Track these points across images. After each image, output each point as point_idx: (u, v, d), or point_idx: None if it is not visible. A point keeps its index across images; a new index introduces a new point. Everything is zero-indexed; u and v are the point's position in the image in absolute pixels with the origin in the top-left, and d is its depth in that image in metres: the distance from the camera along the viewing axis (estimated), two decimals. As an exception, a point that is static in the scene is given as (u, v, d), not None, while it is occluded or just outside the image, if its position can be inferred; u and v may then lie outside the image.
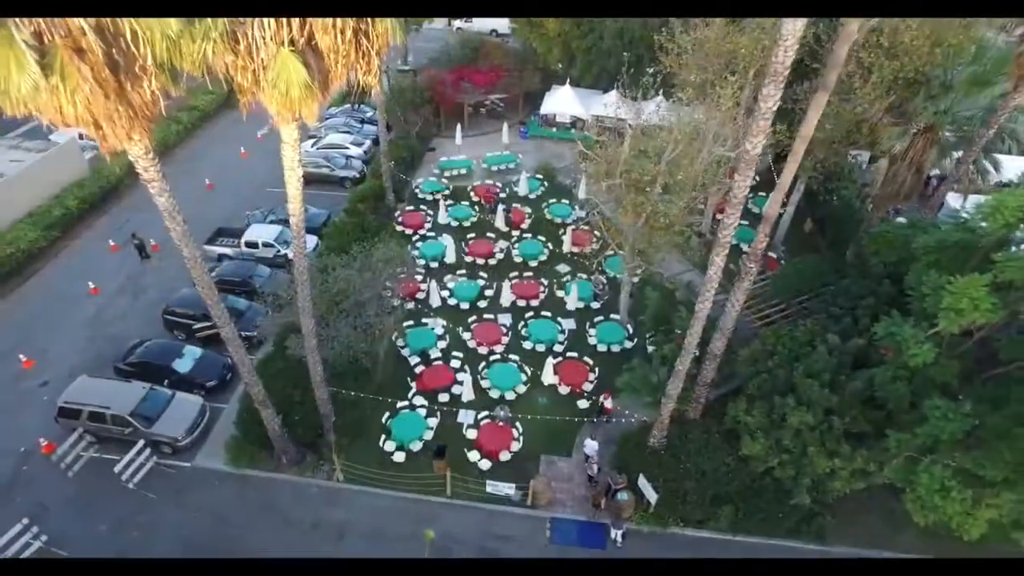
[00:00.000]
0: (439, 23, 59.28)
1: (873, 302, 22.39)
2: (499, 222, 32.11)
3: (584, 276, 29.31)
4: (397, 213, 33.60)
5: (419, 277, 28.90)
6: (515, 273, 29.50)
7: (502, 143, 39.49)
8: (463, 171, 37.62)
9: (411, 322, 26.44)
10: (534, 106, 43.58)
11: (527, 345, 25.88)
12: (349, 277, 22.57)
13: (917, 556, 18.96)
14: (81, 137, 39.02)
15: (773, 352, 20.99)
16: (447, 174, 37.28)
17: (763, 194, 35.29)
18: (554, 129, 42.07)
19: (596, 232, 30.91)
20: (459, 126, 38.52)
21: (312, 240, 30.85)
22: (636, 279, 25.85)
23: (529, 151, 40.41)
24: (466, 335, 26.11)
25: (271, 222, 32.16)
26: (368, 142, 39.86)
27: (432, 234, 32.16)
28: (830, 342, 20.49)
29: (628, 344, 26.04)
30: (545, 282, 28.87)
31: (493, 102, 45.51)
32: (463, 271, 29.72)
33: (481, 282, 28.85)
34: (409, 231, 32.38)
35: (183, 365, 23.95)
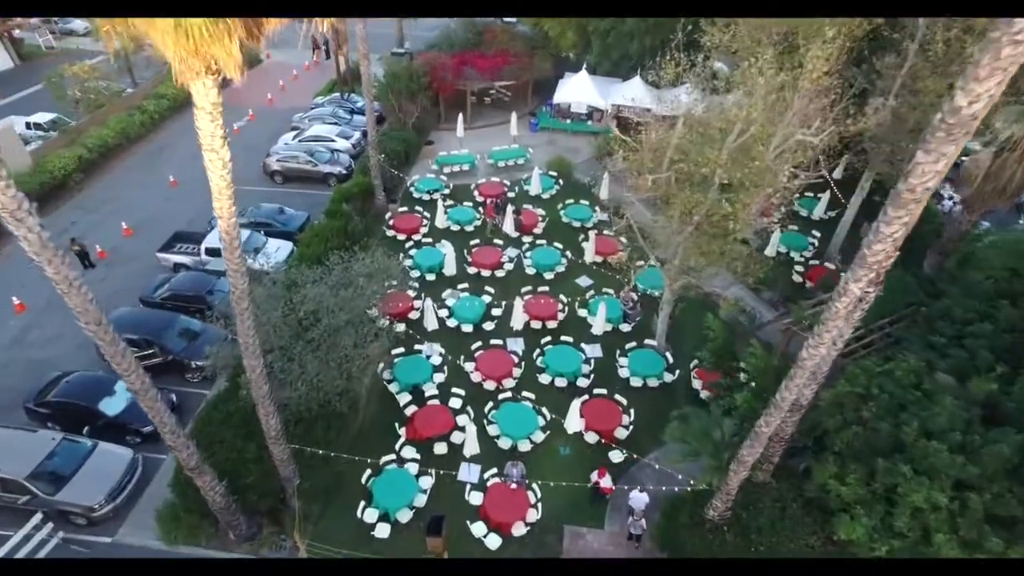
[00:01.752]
0: (440, 9, 54.52)
1: (990, 330, 17.50)
2: (507, 226, 27.14)
3: (611, 291, 24.38)
4: (388, 215, 28.72)
5: (412, 292, 24.01)
6: (527, 288, 24.54)
7: (510, 136, 34.56)
8: (465, 167, 32.74)
9: (401, 350, 21.49)
10: (545, 95, 38.74)
11: (544, 379, 20.93)
12: (320, 296, 17.72)
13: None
14: (29, 126, 34.32)
15: (867, 396, 16.06)
16: (447, 170, 32.40)
17: (810, 195, 30.41)
18: (568, 121, 37.16)
19: (624, 239, 26.01)
20: (461, 117, 33.63)
21: (287, 248, 26.02)
22: (678, 297, 20.88)
23: (540, 145, 35.52)
24: (468, 366, 21.15)
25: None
26: (357, 134, 35.01)
27: (428, 240, 27.25)
28: (940, 381, 15.68)
29: (668, 377, 21.11)
30: (565, 299, 23.89)
31: (499, 90, 40.70)
32: (465, 285, 24.76)
33: (487, 299, 23.89)
34: (402, 236, 27.48)
35: (113, 406, 19.03)
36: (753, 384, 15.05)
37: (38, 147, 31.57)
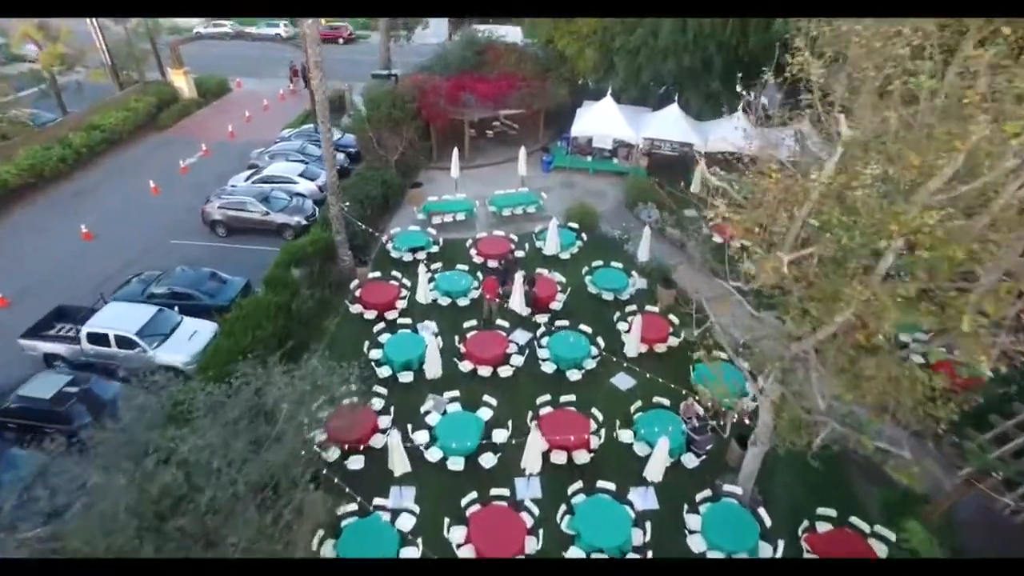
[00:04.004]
0: (433, 35, 48.26)
1: None
2: (515, 301, 19.71)
3: (664, 401, 16.88)
4: (355, 283, 21.40)
5: (378, 403, 16.55)
6: (545, 398, 16.95)
7: (517, 177, 27.48)
8: (460, 216, 25.57)
9: (352, 508, 13.86)
10: (560, 128, 31.98)
11: (575, 552, 13.31)
12: (194, 457, 10.29)
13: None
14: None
15: None
16: (436, 220, 25.24)
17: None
18: (590, 158, 30.28)
19: (677, 323, 18.67)
20: (456, 153, 26.64)
21: (209, 331, 18.60)
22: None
23: (555, 188, 28.52)
24: (457, 533, 13.52)
25: (151, 297, 19.97)
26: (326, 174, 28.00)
27: (406, 320, 19.86)
28: None
29: (764, 547, 13.49)
30: (599, 415, 16.37)
31: (504, 122, 33.96)
32: (455, 393, 17.20)
33: (486, 414, 16.38)
34: (370, 314, 20.10)
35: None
36: None
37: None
